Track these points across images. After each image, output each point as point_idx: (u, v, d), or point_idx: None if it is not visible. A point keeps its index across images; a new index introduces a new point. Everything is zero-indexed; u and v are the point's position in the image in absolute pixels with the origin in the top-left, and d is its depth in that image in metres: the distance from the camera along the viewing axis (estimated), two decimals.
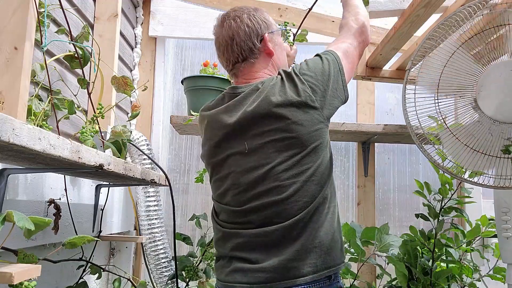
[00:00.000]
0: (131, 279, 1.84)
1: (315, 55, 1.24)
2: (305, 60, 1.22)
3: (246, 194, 1.12)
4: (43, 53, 1.20)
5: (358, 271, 2.07)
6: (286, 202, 1.09)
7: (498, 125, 1.39)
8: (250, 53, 1.21)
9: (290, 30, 1.68)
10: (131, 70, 2.56)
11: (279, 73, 1.19)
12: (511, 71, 1.34)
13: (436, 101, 1.44)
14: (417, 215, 2.14)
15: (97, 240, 1.53)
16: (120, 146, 1.41)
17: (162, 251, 2.19)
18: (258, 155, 1.11)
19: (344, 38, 1.30)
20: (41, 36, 1.17)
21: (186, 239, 2.19)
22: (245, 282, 1.09)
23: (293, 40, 1.71)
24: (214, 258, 1.26)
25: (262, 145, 1.11)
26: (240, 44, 1.20)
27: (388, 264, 2.19)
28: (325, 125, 1.15)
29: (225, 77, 2.16)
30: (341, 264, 1.14)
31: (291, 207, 1.09)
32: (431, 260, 2.04)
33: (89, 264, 1.59)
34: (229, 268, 1.13)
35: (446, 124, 1.45)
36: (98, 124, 1.49)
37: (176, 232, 1.73)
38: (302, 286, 1.06)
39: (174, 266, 1.89)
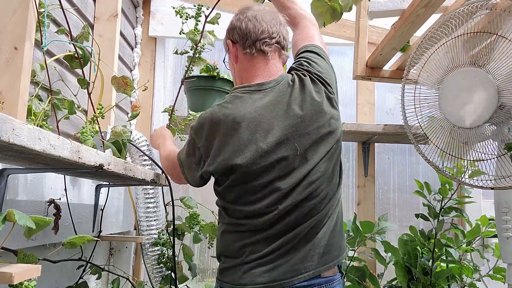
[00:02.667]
0: (129, 279, 1.84)
1: (311, 52, 1.26)
2: (309, 59, 1.23)
3: (291, 193, 1.11)
4: (43, 53, 1.20)
5: (354, 252, 2.06)
6: (323, 194, 1.14)
7: (456, 130, 1.42)
8: (287, 45, 1.25)
9: (203, 12, 1.69)
10: (131, 70, 2.56)
11: (296, 70, 1.20)
12: (463, 80, 1.37)
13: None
14: (417, 215, 2.14)
15: (97, 240, 1.53)
16: (120, 146, 1.41)
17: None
18: (304, 153, 1.12)
19: (310, 29, 1.36)
20: (41, 36, 1.17)
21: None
22: (285, 278, 1.09)
23: (205, 22, 1.67)
24: (225, 263, 1.18)
25: (309, 144, 1.12)
26: (287, 36, 1.24)
27: (388, 264, 2.19)
28: None
29: (226, 77, 2.16)
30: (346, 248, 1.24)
31: (326, 198, 1.15)
32: (431, 260, 2.04)
33: (89, 264, 1.59)
34: (259, 269, 1.10)
35: (422, 128, 1.49)
36: (98, 124, 1.49)
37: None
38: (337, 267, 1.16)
39: (173, 266, 1.89)
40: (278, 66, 1.22)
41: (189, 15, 1.75)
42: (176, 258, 2.03)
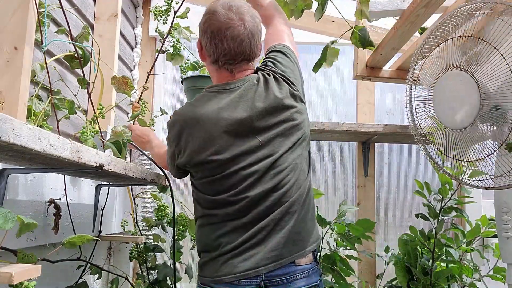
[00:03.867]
0: (128, 279, 1.84)
1: (277, 51, 1.30)
2: (274, 59, 1.27)
3: (259, 182, 1.16)
4: (43, 53, 1.21)
5: (322, 239, 2.03)
6: (292, 183, 1.18)
7: (447, 131, 1.43)
8: (256, 55, 1.25)
9: (172, 7, 1.73)
10: (131, 70, 2.56)
11: (262, 70, 1.24)
12: (450, 82, 1.39)
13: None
14: (417, 215, 2.14)
15: (97, 240, 1.53)
16: (120, 146, 1.41)
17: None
18: (270, 146, 1.18)
19: (281, 28, 1.38)
20: (41, 36, 1.17)
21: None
22: (260, 266, 1.12)
23: (174, 17, 1.72)
24: (204, 257, 1.21)
25: (274, 136, 1.18)
26: (256, 45, 1.22)
27: (388, 264, 2.19)
28: None
29: None
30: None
31: (295, 186, 1.19)
32: (431, 260, 2.04)
33: (89, 264, 1.59)
34: (236, 259, 1.13)
35: (421, 129, 1.49)
36: (98, 124, 1.50)
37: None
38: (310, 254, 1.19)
39: (173, 266, 1.88)
40: (245, 73, 1.24)
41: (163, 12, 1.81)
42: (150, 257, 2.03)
